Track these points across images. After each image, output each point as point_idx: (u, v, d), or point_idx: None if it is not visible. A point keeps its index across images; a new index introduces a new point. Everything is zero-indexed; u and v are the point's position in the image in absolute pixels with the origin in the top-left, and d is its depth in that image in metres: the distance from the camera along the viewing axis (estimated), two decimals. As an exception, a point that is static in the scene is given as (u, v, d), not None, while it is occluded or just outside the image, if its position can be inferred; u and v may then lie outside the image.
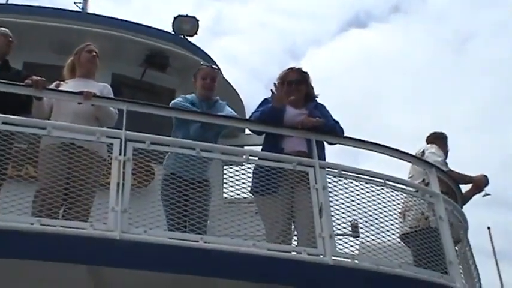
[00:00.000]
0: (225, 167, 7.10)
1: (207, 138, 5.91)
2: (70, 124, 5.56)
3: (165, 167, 5.88)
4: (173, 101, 6.27)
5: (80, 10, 12.11)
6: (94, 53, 6.35)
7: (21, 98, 5.71)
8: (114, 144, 5.21)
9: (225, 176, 6.97)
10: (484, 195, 7.58)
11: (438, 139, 7.77)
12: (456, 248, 6.06)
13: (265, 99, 6.19)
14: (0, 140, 5.18)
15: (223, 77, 8.82)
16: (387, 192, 5.75)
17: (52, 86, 5.90)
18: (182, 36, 9.98)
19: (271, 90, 5.96)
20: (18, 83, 5.60)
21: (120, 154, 5.14)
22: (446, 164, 7.35)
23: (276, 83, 6.17)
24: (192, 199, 5.50)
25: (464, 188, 7.40)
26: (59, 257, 4.60)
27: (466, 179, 7.49)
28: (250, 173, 5.73)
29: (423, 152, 7.34)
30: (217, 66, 6.65)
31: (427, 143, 7.69)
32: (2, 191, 5.32)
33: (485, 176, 7.57)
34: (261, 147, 6.20)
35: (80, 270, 4.61)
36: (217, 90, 6.54)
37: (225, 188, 6.95)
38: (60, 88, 6.01)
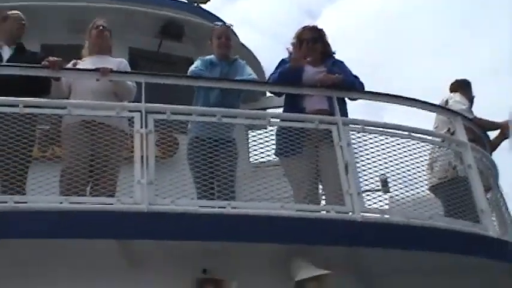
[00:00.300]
0: (248, 132, 7.07)
1: (228, 103, 5.89)
2: (89, 101, 5.56)
3: (189, 132, 5.88)
4: (191, 67, 6.23)
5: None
6: (101, 27, 6.32)
7: (40, 79, 5.73)
8: (135, 117, 5.22)
9: (249, 141, 6.95)
10: (513, 141, 7.47)
11: (461, 87, 7.63)
12: (487, 195, 5.99)
13: (283, 59, 6.14)
14: (23, 122, 5.22)
15: (240, 42, 8.78)
16: (413, 145, 5.69)
17: (69, 65, 5.90)
18: (196, 4, 9.93)
19: (288, 49, 5.91)
20: (35, 65, 5.61)
21: (141, 127, 5.14)
22: (472, 111, 7.24)
23: (292, 42, 6.11)
24: (218, 160, 5.52)
25: (492, 134, 7.30)
26: (89, 233, 4.65)
27: (493, 126, 7.38)
28: (273, 135, 5.71)
29: (447, 101, 7.22)
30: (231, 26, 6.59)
31: (450, 92, 7.58)
32: (29, 172, 5.36)
33: (514, 122, 7.44)
34: (282, 109, 6.17)
35: (110, 244, 4.64)
36: (234, 53, 6.51)
37: (250, 152, 6.94)
38: (76, 67, 6.01)
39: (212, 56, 6.36)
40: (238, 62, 6.43)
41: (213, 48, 6.46)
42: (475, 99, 7.70)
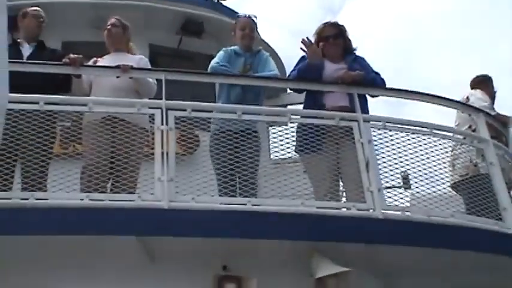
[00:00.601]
0: (269, 128, 7.07)
1: (250, 99, 5.89)
2: (110, 98, 5.59)
3: (212, 123, 5.88)
4: (212, 62, 6.20)
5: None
6: (109, 26, 6.33)
7: (60, 77, 5.76)
8: (156, 114, 5.22)
9: (270, 138, 6.95)
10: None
11: (482, 82, 7.56)
12: (510, 193, 5.93)
13: (303, 56, 6.11)
14: (44, 119, 5.25)
15: (260, 37, 8.75)
16: (434, 142, 5.65)
17: (89, 63, 5.92)
18: (216, 1, 9.94)
19: (302, 41, 5.88)
20: (56, 63, 5.64)
21: (162, 124, 5.15)
22: (493, 108, 7.18)
23: (312, 39, 6.09)
24: (242, 151, 5.52)
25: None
26: (110, 230, 4.66)
27: (515, 122, 7.30)
28: (293, 132, 5.70)
29: (467, 98, 7.15)
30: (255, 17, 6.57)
31: (471, 88, 7.51)
32: (50, 169, 5.39)
33: (536, 118, 7.36)
34: (302, 105, 6.15)
35: (130, 241, 4.65)
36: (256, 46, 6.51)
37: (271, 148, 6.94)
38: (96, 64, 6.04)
39: (236, 47, 6.35)
40: (261, 53, 6.42)
41: (236, 39, 6.44)
42: (497, 94, 7.63)
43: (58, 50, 6.65)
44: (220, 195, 5.40)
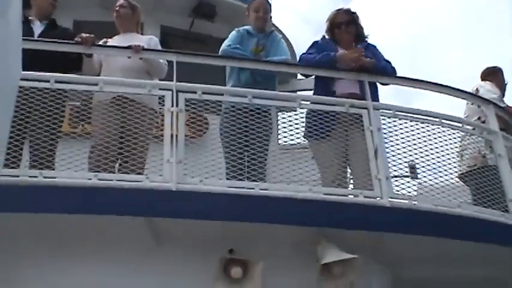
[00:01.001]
0: (278, 113, 7.06)
1: (261, 82, 5.89)
2: (121, 79, 5.59)
3: (224, 102, 5.86)
4: (224, 44, 6.20)
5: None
6: (117, 8, 6.33)
7: (71, 56, 5.76)
8: (166, 96, 5.22)
9: (278, 123, 6.94)
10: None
11: (492, 74, 7.54)
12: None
13: (316, 41, 6.11)
14: (54, 98, 5.25)
15: (272, 22, 8.73)
16: (443, 132, 5.64)
17: (100, 43, 5.92)
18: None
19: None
20: (67, 41, 5.64)
21: (172, 106, 5.15)
22: (503, 100, 7.15)
23: (325, 25, 6.08)
24: (252, 130, 5.51)
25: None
26: (117, 210, 4.67)
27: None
28: (303, 117, 5.69)
29: (477, 90, 7.12)
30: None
31: (482, 80, 7.48)
32: (58, 148, 5.40)
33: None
34: (312, 91, 6.14)
35: (138, 222, 4.66)
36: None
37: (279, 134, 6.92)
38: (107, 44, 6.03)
39: (249, 27, 6.36)
40: (274, 34, 6.44)
41: (249, 20, 6.45)
42: (507, 86, 7.61)
43: (69, 29, 6.65)
44: (228, 179, 5.41)
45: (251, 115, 5.50)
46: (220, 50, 6.14)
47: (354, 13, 6.28)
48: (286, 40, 9.45)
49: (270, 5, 6.49)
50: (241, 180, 5.26)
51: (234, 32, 6.28)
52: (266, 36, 6.33)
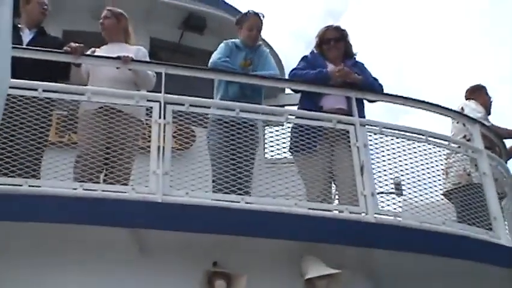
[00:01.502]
0: (265, 128, 7.08)
1: (248, 96, 5.90)
2: (109, 89, 5.57)
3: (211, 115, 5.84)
4: (213, 57, 6.19)
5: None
6: (101, 20, 6.35)
7: (60, 64, 5.75)
8: (154, 107, 5.22)
9: (265, 137, 6.95)
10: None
11: (476, 92, 7.57)
12: (501, 203, 5.96)
13: (305, 56, 6.15)
14: (41, 107, 5.24)
15: (261, 37, 8.77)
16: (430, 149, 5.67)
17: (88, 52, 5.91)
18: (219, -1, 9.98)
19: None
20: (56, 50, 5.63)
21: (160, 117, 5.15)
22: (488, 119, 7.20)
23: (314, 41, 6.12)
24: (239, 143, 5.51)
25: (508, 142, 7.25)
26: (102, 220, 4.65)
27: (510, 134, 7.33)
28: (289, 132, 5.71)
29: (462, 109, 7.15)
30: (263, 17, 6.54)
31: (466, 99, 7.52)
32: (44, 157, 5.38)
33: (530, 131, 7.39)
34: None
35: (122, 233, 4.65)
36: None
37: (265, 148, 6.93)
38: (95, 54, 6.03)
39: (237, 40, 6.35)
40: (262, 48, 6.42)
41: (240, 34, 6.41)
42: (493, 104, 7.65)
43: (59, 37, 6.64)
44: (214, 191, 5.40)
45: (238, 128, 5.51)
46: (210, 62, 6.13)
47: (344, 30, 6.32)
48: (275, 54, 9.51)
49: (263, 22, 6.46)
50: (227, 193, 5.25)
51: (222, 45, 6.28)
52: (254, 51, 6.33)
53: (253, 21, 6.41)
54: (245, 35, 6.35)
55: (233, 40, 6.32)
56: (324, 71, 5.93)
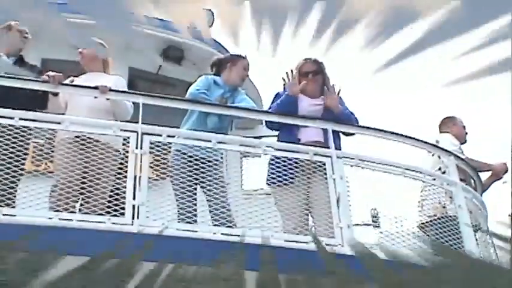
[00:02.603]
0: (242, 159, 7.09)
1: (224, 128, 5.93)
2: (87, 119, 5.57)
3: (173, 145, 5.81)
4: (192, 88, 6.19)
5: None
6: (79, 50, 6.39)
7: (38, 93, 5.74)
8: (131, 137, 5.22)
9: (242, 168, 6.97)
10: (504, 183, 7.49)
11: (449, 123, 7.64)
12: (476, 236, 6.00)
13: (278, 93, 6.20)
14: (18, 135, 5.21)
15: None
16: (405, 181, 5.71)
17: (67, 81, 5.91)
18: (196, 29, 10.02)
19: (283, 79, 5.97)
20: (34, 79, 5.62)
21: (136, 147, 5.15)
22: (462, 151, 7.26)
23: (292, 73, 6.15)
24: (202, 178, 5.55)
25: (484, 175, 7.32)
26: (78, 251, 4.59)
27: (484, 167, 7.39)
28: (266, 164, 5.73)
29: (437, 141, 7.21)
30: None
31: (440, 132, 7.59)
32: (20, 186, 5.33)
33: (505, 164, 7.46)
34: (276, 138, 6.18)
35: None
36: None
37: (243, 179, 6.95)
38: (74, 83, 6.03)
39: (216, 77, 6.36)
40: (239, 90, 6.43)
41: (230, 72, 6.40)
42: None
43: (37, 66, 6.63)
44: (178, 221, 5.38)
45: (202, 162, 5.54)
46: (188, 92, 6.12)
47: (321, 63, 6.37)
48: (254, 87, 9.57)
49: None
50: (189, 223, 5.23)
51: (202, 78, 6.29)
52: (231, 90, 6.33)
53: (247, 62, 6.49)
54: (238, 74, 6.38)
55: (212, 76, 6.34)
56: (289, 95, 6.01)
